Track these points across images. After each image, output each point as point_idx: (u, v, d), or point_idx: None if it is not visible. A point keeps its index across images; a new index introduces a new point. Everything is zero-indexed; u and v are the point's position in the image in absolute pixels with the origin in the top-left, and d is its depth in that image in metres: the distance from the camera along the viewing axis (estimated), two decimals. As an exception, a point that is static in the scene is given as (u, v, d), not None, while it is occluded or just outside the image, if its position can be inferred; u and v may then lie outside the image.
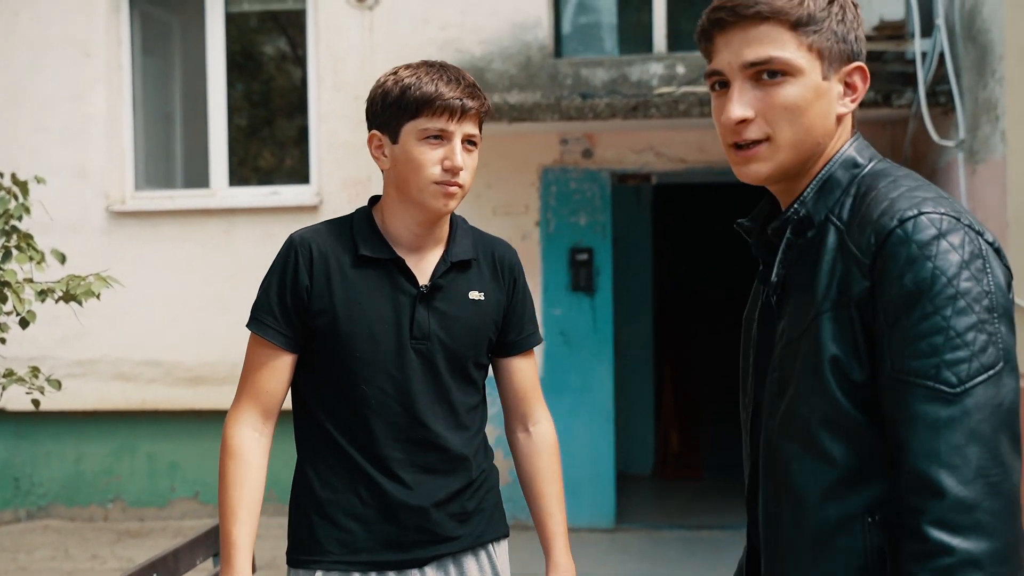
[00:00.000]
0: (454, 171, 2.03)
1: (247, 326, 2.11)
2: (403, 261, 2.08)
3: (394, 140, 2.07)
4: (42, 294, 2.94)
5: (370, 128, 2.13)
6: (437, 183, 2.03)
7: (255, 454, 2.06)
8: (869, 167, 1.53)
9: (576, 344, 6.62)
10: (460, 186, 2.04)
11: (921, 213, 1.40)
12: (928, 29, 5.53)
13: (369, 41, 6.71)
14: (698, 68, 6.18)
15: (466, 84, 2.05)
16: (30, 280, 3.07)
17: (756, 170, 1.54)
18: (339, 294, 2.06)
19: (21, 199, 3.40)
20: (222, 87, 7.00)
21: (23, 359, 6.61)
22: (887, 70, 6.03)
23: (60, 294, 2.94)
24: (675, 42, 6.60)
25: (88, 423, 7.02)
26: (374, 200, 2.17)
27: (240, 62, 7.33)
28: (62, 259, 3.35)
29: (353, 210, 2.19)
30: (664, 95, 6.04)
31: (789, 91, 1.49)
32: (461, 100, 2.03)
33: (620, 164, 6.63)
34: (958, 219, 1.41)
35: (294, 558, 2.10)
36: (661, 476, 8.15)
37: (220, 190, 7.00)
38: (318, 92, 6.81)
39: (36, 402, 3.12)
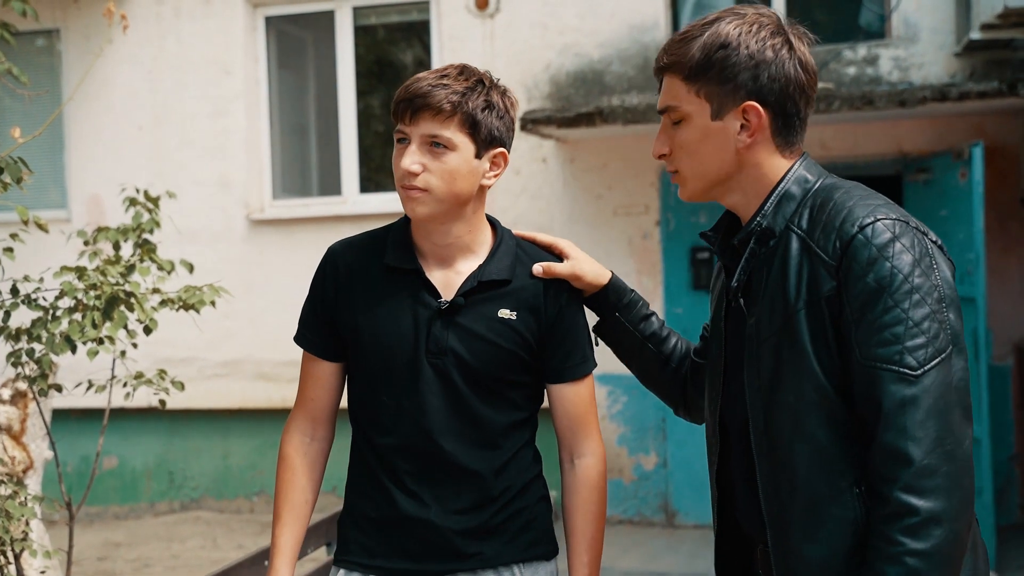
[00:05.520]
0: (404, 175, 1.93)
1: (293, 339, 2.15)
2: (423, 272, 2.01)
3: None
4: (163, 303, 3.19)
5: None
6: (402, 187, 1.96)
7: (301, 459, 2.08)
8: (819, 182, 1.74)
9: (698, 343, 6.62)
10: (419, 189, 1.93)
11: (877, 219, 1.61)
12: (1057, 14, 5.33)
13: (490, 48, 6.88)
14: (820, 64, 6.10)
15: (440, 83, 1.91)
16: (157, 290, 3.33)
17: (680, 194, 1.84)
18: (361, 306, 2.02)
19: (153, 213, 3.67)
20: (352, 99, 7.29)
21: (174, 360, 7.10)
22: (1017, 57, 5.84)
23: (180, 304, 3.18)
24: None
25: (234, 421, 7.44)
26: None
27: (376, 71, 7.61)
28: (190, 268, 3.59)
29: None
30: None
31: (682, 133, 1.76)
32: (412, 99, 1.91)
33: (740, 162, 6.60)
34: (907, 223, 1.63)
35: (335, 555, 2.14)
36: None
37: (351, 196, 7.30)
38: (442, 100, 7.01)
39: (163, 402, 3.37)
